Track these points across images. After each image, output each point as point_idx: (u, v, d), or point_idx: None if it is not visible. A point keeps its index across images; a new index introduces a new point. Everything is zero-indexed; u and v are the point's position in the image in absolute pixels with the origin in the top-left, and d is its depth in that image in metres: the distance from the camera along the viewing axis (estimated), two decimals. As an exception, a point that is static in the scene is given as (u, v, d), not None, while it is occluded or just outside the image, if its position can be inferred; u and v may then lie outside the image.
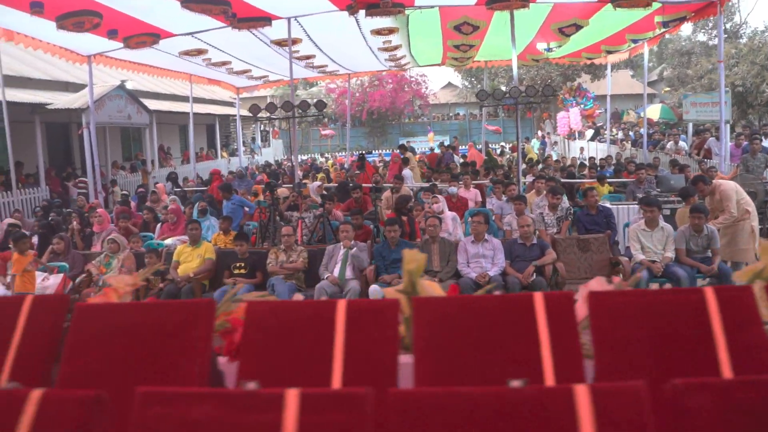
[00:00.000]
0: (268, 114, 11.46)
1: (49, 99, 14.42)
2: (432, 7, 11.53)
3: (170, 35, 11.82)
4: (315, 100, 11.74)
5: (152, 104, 18.36)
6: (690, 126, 15.84)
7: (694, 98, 14.75)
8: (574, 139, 24.08)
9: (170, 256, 7.66)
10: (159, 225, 9.44)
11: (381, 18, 11.31)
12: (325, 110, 11.53)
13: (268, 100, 30.50)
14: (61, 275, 7.41)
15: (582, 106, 23.97)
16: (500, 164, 16.49)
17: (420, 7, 11.35)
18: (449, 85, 38.63)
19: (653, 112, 24.99)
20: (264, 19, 11.10)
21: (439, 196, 9.19)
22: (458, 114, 36.39)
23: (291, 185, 11.97)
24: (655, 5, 11.30)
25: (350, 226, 7.37)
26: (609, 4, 11.37)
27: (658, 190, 10.16)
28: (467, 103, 36.89)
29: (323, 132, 30.54)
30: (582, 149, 22.57)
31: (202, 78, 17.20)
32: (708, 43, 28.30)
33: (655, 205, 7.39)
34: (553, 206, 8.55)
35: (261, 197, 9.56)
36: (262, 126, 27.59)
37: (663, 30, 13.37)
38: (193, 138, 17.68)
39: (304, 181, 12.00)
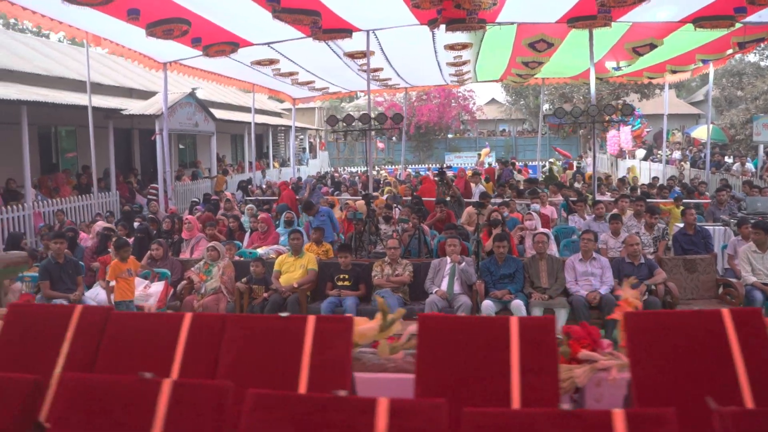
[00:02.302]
0: (345, 125, 11.48)
1: (118, 105, 14.60)
2: (512, 23, 11.53)
3: (248, 44, 11.96)
4: (360, 113, 11.78)
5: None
6: (761, 148, 15.64)
7: (766, 120, 14.57)
8: (624, 158, 23.88)
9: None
10: (247, 234, 9.46)
11: (458, 33, 11.38)
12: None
13: (316, 113, 30.82)
14: (163, 282, 7.42)
15: (631, 126, 23.77)
16: (562, 182, 16.37)
17: (501, 24, 11.36)
18: (493, 101, 38.63)
19: (703, 132, 24.75)
20: (346, 31, 11.18)
21: (533, 213, 9.12)
22: (503, 130, 36.33)
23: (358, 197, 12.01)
24: (737, 25, 11.22)
25: (457, 240, 7.32)
26: (689, 24, 11.36)
27: (744, 212, 10.01)
28: (511, 119, 36.82)
29: (379, 145, 30.64)
30: (629, 169, 22.37)
31: (263, 88, 17.38)
32: (759, 63, 28.01)
33: (763, 228, 7.28)
34: (650, 226, 8.45)
35: (356, 210, 9.53)
36: (311, 138, 27.83)
37: (737, 50, 13.25)
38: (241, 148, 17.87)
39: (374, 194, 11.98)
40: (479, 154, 27.55)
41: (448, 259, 7.23)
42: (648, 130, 24.39)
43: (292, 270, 7.50)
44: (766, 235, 7.31)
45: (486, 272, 7.20)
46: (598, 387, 3.48)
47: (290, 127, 25.98)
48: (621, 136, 23.19)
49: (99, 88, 15.77)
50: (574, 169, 21.96)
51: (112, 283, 7.43)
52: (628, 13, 10.44)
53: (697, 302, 7.19)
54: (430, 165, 27.60)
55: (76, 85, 15.22)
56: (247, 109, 23.54)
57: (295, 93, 18.75)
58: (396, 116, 11.49)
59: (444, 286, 7.05)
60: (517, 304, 6.70)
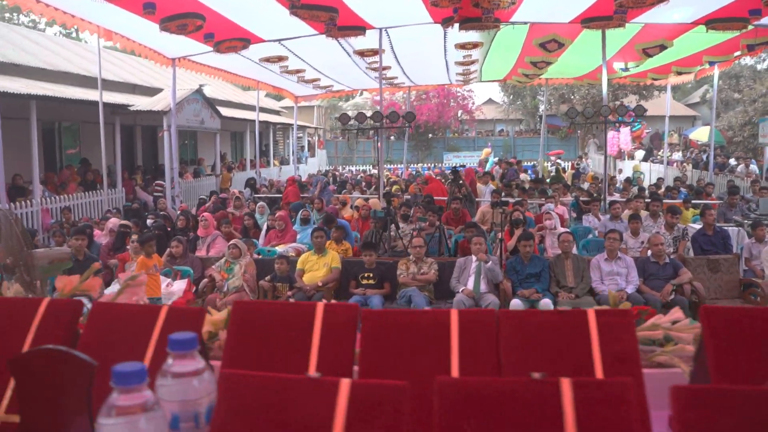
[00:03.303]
0: (358, 123, 11.44)
1: (121, 100, 14.47)
2: (525, 23, 11.52)
3: (260, 41, 11.90)
4: (357, 112, 11.74)
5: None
6: (767, 150, 15.73)
7: (773, 122, 14.69)
8: (623, 159, 23.98)
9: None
10: (264, 231, 9.38)
11: (471, 32, 11.36)
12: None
13: (315, 111, 30.71)
14: (185, 280, 7.33)
15: (631, 127, 23.88)
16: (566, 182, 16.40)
17: (514, 23, 11.34)
18: (490, 101, 38.69)
19: (701, 134, 24.93)
20: (359, 29, 11.12)
21: (552, 212, 9.11)
22: (502, 130, 36.41)
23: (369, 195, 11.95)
24: (748, 28, 11.27)
25: (483, 239, 7.29)
26: (700, 26, 11.40)
27: (756, 213, 10.07)
28: (508, 119, 36.89)
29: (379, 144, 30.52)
30: (620, 170, 22.51)
31: (267, 85, 17.29)
32: (756, 67, 28.22)
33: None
34: (670, 226, 8.46)
35: (378, 208, 9.46)
36: (309, 137, 27.77)
37: (745, 53, 13.31)
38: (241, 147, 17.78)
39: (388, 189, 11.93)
40: (482, 154, 27.59)
41: (474, 257, 7.20)
42: (647, 131, 24.50)
43: (316, 268, 7.43)
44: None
45: (512, 271, 7.19)
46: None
47: (288, 125, 25.96)
48: (620, 137, 23.29)
49: (103, 84, 15.60)
50: (575, 169, 22.01)
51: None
52: (643, 14, 10.45)
53: (721, 302, 7.22)
54: (430, 164, 27.64)
55: (80, 80, 15.07)
56: (247, 107, 23.49)
57: (298, 91, 18.66)
58: (408, 115, 11.43)
59: (470, 284, 7.02)
60: (546, 303, 6.69)
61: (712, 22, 10.97)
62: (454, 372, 1.72)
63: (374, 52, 13.14)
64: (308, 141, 29.43)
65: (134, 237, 7.76)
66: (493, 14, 10.29)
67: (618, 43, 12.80)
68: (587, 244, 8.91)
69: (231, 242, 7.69)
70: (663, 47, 12.65)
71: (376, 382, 1.41)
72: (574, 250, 8.55)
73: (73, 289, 1.76)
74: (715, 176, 15.68)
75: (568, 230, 7.86)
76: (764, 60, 27.21)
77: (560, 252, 8.19)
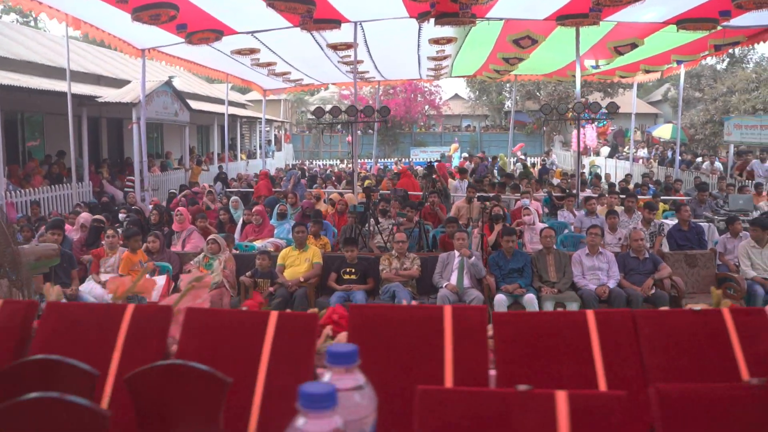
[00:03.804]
0: (332, 117, 11.37)
1: (87, 92, 14.08)
2: (500, 19, 11.55)
3: (232, 32, 11.71)
4: (331, 106, 11.70)
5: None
6: (731, 147, 16.10)
7: (739, 120, 14.99)
8: (589, 155, 24.31)
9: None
10: (240, 226, 9.24)
11: (446, 27, 11.36)
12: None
13: (282, 105, 30.38)
14: (164, 276, 7.17)
15: (596, 123, 24.21)
16: (533, 176, 16.54)
17: (489, 19, 11.37)
18: (456, 96, 38.84)
19: (664, 131, 25.40)
20: (335, 22, 11.02)
21: (530, 207, 9.16)
22: (468, 125, 36.58)
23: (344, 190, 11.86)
24: (717, 28, 11.50)
25: (465, 234, 7.29)
26: (671, 25, 11.59)
27: (726, 209, 10.29)
28: (474, 115, 37.06)
29: (348, 138, 30.39)
30: (584, 166, 22.82)
31: (236, 78, 17.04)
32: (716, 67, 28.91)
33: (761, 225, 7.49)
34: (647, 221, 8.59)
35: (354, 203, 9.38)
36: (276, 130, 27.50)
37: (712, 53, 13.59)
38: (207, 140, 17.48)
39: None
40: (449, 149, 27.68)
41: (456, 252, 7.19)
42: (612, 128, 24.89)
43: (297, 264, 7.35)
44: (763, 232, 7.51)
45: (495, 266, 7.20)
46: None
47: (254, 118, 25.66)
48: (586, 134, 23.60)
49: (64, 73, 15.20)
50: (542, 165, 22.23)
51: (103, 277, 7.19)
52: (617, 12, 10.58)
53: (699, 296, 7.34)
54: (397, 159, 27.61)
55: (44, 71, 14.62)
56: (213, 100, 23.13)
57: (266, 84, 18.45)
58: (383, 109, 11.40)
59: (453, 280, 7.01)
60: (530, 298, 6.72)
61: (683, 22, 11.17)
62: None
63: (348, 46, 13.04)
64: (275, 135, 29.16)
65: (109, 232, 7.54)
66: (471, 10, 10.32)
67: (590, 40, 12.94)
68: (565, 239, 8.99)
69: (210, 237, 7.55)
70: (634, 45, 12.83)
71: (594, 393, 1.36)
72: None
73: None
74: (682, 173, 15.99)
75: (549, 225, 7.90)
76: (724, 60, 27.86)
77: (541, 247, 8.29)
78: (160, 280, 7.08)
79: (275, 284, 7.11)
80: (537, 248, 8.20)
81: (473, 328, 1.65)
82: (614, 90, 27.51)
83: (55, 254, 4.14)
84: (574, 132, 25.61)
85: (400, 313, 1.70)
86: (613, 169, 20.87)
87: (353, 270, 7.24)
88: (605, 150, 24.20)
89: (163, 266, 7.28)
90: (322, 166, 25.54)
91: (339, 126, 31.56)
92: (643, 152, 23.40)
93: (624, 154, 21.71)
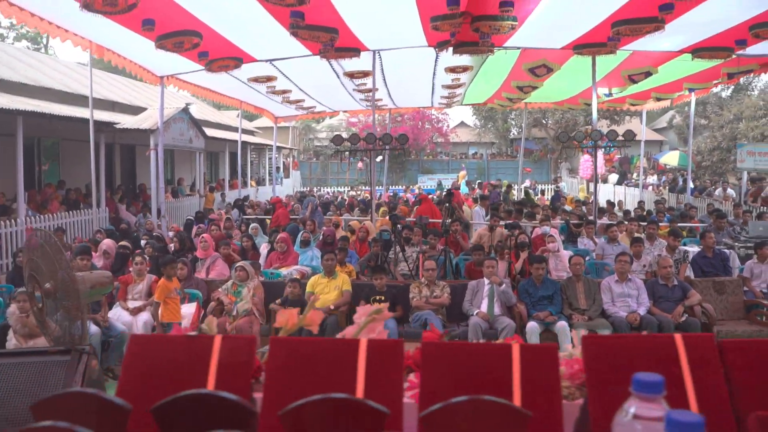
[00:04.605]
0: (350, 145, 11.46)
1: (102, 118, 14.17)
2: (518, 48, 11.67)
3: (252, 60, 11.82)
4: (334, 134, 11.80)
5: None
6: (744, 174, 16.17)
7: (752, 147, 15.09)
8: (597, 182, 24.35)
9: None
10: (265, 254, 9.23)
11: (463, 56, 11.48)
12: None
13: (290, 132, 30.54)
14: (194, 303, 7.16)
15: (604, 150, 24.28)
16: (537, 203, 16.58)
17: (507, 48, 11.48)
18: (462, 124, 39.07)
19: (671, 158, 25.53)
20: (354, 50, 11.13)
21: (554, 235, 9.17)
22: (475, 153, 36.75)
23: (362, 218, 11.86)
24: (732, 56, 11.62)
25: (495, 262, 7.29)
26: (686, 54, 11.71)
27: (747, 236, 10.30)
28: (480, 142, 37.25)
29: (360, 165, 30.53)
30: (591, 193, 22.88)
31: (249, 105, 17.18)
32: (721, 94, 29.11)
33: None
34: (671, 248, 8.59)
35: (383, 228, 9.38)
36: (284, 158, 27.61)
37: (725, 81, 13.71)
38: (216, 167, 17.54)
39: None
40: (457, 177, 27.77)
41: (486, 280, 7.19)
42: (618, 156, 25.00)
43: (327, 291, 7.33)
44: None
45: (524, 294, 7.20)
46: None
47: (263, 145, 25.79)
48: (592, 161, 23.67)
49: (83, 100, 15.30)
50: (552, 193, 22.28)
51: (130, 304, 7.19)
52: (634, 41, 10.68)
53: (728, 323, 7.32)
54: (405, 186, 27.70)
55: (60, 96, 14.74)
56: (222, 126, 23.27)
57: (278, 111, 18.58)
58: (401, 137, 11.45)
59: (484, 307, 7.00)
60: (563, 326, 6.70)
61: (699, 51, 11.28)
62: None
63: (364, 74, 13.17)
64: (283, 162, 29.27)
65: (138, 259, 7.54)
66: (490, 39, 10.42)
67: (605, 69, 13.05)
68: (588, 266, 8.97)
69: (238, 264, 7.53)
70: (648, 74, 12.94)
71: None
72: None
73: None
74: (694, 200, 16.03)
75: (577, 253, 7.91)
76: (729, 88, 28.06)
77: (565, 274, 8.28)
78: (190, 308, 7.08)
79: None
80: (561, 275, 8.20)
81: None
82: (621, 117, 27.68)
83: (109, 282, 4.14)
84: (582, 159, 25.76)
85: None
86: (622, 196, 20.90)
87: (383, 298, 7.21)
88: (613, 177, 24.28)
89: (193, 293, 7.26)
90: (331, 194, 25.58)
91: (347, 153, 31.81)
92: (652, 179, 23.45)
93: (633, 180, 21.75)
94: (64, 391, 1.26)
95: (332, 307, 7.11)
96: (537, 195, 24.30)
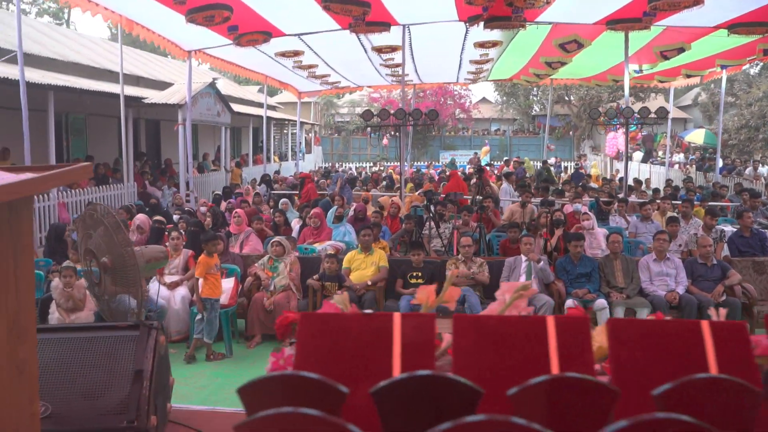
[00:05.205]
0: (380, 120, 11.41)
1: (129, 93, 14.20)
2: (549, 23, 11.51)
3: (281, 34, 11.75)
4: (360, 109, 11.76)
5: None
6: (776, 153, 15.94)
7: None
8: (621, 159, 24.14)
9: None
10: (298, 229, 9.25)
11: (494, 31, 11.34)
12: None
13: (312, 108, 30.45)
14: (233, 278, 7.20)
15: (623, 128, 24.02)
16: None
17: (539, 23, 11.32)
18: (484, 99, 38.77)
19: (696, 136, 25.19)
20: (385, 25, 11.03)
21: (589, 213, 9.10)
22: (498, 129, 36.52)
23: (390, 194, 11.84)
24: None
25: (532, 239, 7.26)
26: (722, 30, 11.47)
27: (781, 216, 10.17)
28: (502, 119, 36.99)
29: (384, 141, 30.44)
30: (618, 171, 22.65)
31: (274, 80, 17.13)
32: (749, 71, 28.57)
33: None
34: (708, 227, 8.50)
35: (415, 204, 9.38)
36: (306, 133, 27.62)
37: (760, 57, 13.43)
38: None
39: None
40: (480, 152, 27.63)
41: (523, 257, 7.17)
42: (642, 133, 24.71)
43: (363, 267, 7.34)
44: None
45: (562, 271, 7.17)
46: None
47: (284, 120, 25.77)
48: (619, 138, 23.44)
49: (109, 75, 15.33)
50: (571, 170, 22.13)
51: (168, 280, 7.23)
52: (670, 17, 10.48)
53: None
54: (428, 162, 27.61)
55: (88, 72, 14.77)
56: (244, 101, 23.22)
57: (302, 86, 18.52)
58: (431, 112, 11.37)
59: (522, 285, 6.97)
60: (602, 303, 6.68)
61: (736, 26, 11.04)
62: None
63: (392, 49, 13.06)
64: (305, 137, 29.27)
65: (174, 234, 7.59)
66: (523, 14, 10.27)
67: (637, 45, 12.83)
68: (623, 244, 8.90)
69: (275, 240, 7.55)
70: (681, 50, 12.71)
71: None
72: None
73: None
74: (723, 179, 15.83)
75: (616, 231, 7.85)
76: (758, 65, 27.54)
77: (599, 252, 8.24)
78: (228, 283, 7.11)
79: (343, 287, 7.09)
80: (596, 253, 8.15)
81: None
82: (646, 94, 27.32)
83: (164, 257, 4.17)
84: (609, 137, 25.49)
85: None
86: (647, 174, 20.68)
87: (420, 274, 7.21)
88: (638, 155, 24.01)
89: (231, 268, 7.29)
90: (353, 169, 25.57)
91: (368, 129, 31.72)
92: (678, 157, 23.18)
93: (658, 159, 21.51)
94: (276, 373, 1.23)
95: (369, 282, 7.12)
96: (561, 172, 24.18)
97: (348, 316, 1.40)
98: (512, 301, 1.51)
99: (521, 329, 1.46)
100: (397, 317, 1.40)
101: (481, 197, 10.06)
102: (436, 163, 26.50)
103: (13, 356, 1.74)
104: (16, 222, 1.78)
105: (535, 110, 35.05)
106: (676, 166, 21.38)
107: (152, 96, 14.15)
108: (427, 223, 8.54)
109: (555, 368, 1.36)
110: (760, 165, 16.68)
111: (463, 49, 13.42)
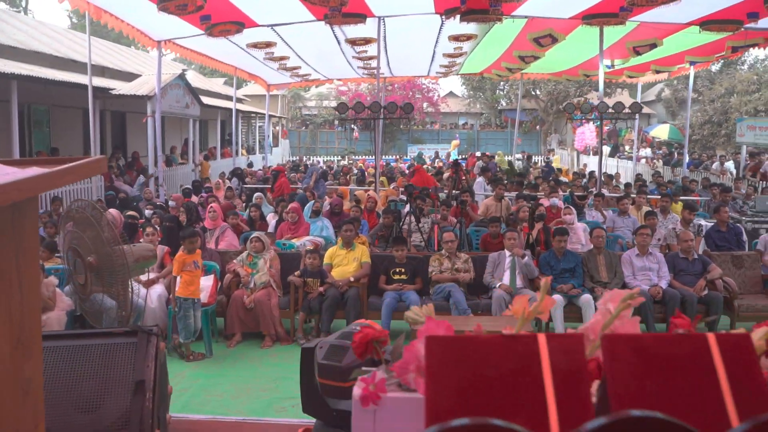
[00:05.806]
0: (355, 113, 11.26)
1: (97, 84, 13.77)
2: (525, 17, 11.48)
3: (254, 25, 11.51)
4: (333, 102, 11.66)
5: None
6: (743, 148, 16.21)
7: (751, 122, 15.10)
8: (588, 154, 24.39)
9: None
10: (274, 224, 9.06)
11: (468, 24, 11.26)
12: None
13: (279, 101, 30.06)
14: (211, 276, 6.98)
15: (594, 122, 24.26)
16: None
17: (515, 17, 11.28)
18: (451, 93, 38.80)
19: (661, 131, 25.58)
20: (361, 16, 10.86)
21: (571, 207, 9.10)
22: (465, 123, 36.58)
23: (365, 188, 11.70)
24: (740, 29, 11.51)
25: (516, 234, 7.20)
26: (694, 26, 11.59)
27: (754, 210, 10.33)
28: (470, 113, 37.07)
29: (355, 134, 30.19)
30: (585, 165, 22.88)
31: (244, 72, 16.83)
32: (711, 68, 29.11)
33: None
34: (686, 222, 8.57)
35: (398, 198, 9.24)
36: (273, 126, 27.26)
37: (728, 54, 13.63)
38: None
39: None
40: (450, 146, 27.61)
41: (507, 252, 7.11)
42: (607, 128, 24.96)
43: (345, 263, 7.20)
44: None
45: (546, 266, 7.13)
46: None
47: (250, 113, 25.39)
48: (586, 133, 23.66)
49: (73, 65, 14.84)
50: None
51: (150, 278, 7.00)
52: (645, 12, 10.53)
53: (747, 297, 7.32)
54: (396, 156, 27.52)
55: (51, 61, 14.27)
56: (211, 94, 22.81)
57: (271, 79, 18.23)
58: (406, 106, 11.26)
59: (506, 280, 6.92)
60: (587, 299, 6.65)
61: (708, 23, 11.16)
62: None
63: (366, 41, 12.91)
64: (272, 131, 28.91)
65: (149, 230, 7.37)
66: (501, 7, 10.22)
67: (610, 40, 12.89)
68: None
69: (253, 235, 7.34)
70: (654, 46, 12.83)
71: None
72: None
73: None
74: (690, 173, 16.07)
75: (598, 226, 7.85)
76: (720, 63, 28.11)
77: (580, 247, 8.25)
78: (208, 280, 6.90)
79: (325, 284, 6.95)
80: (575, 248, 8.15)
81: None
82: (612, 90, 27.62)
83: (152, 255, 3.98)
84: (579, 131, 25.67)
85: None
86: (614, 168, 20.92)
87: (403, 270, 7.11)
88: (606, 149, 24.26)
89: (209, 265, 7.07)
90: (322, 163, 25.34)
91: (336, 122, 31.50)
92: (645, 152, 23.50)
93: (625, 153, 21.75)
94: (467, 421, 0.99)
95: (352, 279, 6.99)
96: (529, 167, 24.23)
97: (485, 338, 1.23)
98: (619, 312, 1.38)
99: (683, 349, 1.30)
100: (542, 339, 1.24)
101: (458, 191, 9.98)
102: (405, 157, 26.41)
103: (19, 376, 1.56)
104: (20, 223, 1.61)
105: (502, 104, 35.21)
106: (643, 160, 21.66)
107: (119, 87, 13.74)
108: (407, 218, 8.43)
109: (726, 394, 1.21)
110: (726, 160, 17.01)
111: (437, 42, 13.33)
